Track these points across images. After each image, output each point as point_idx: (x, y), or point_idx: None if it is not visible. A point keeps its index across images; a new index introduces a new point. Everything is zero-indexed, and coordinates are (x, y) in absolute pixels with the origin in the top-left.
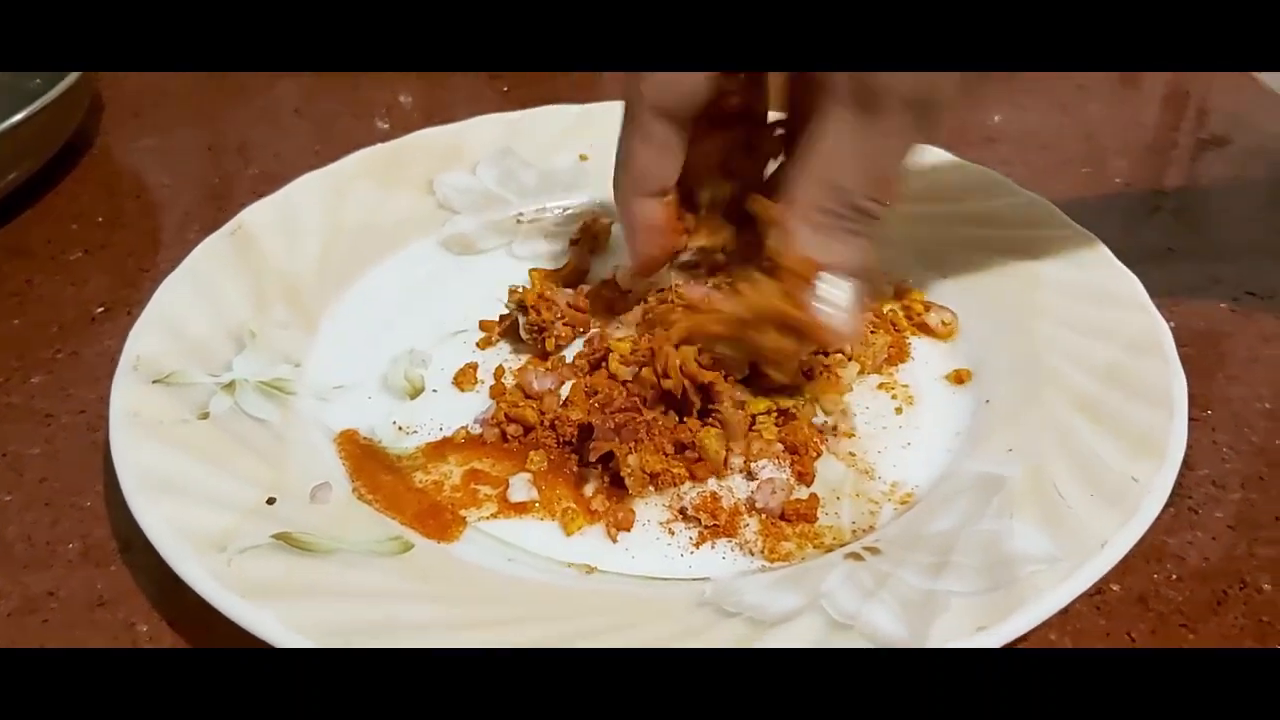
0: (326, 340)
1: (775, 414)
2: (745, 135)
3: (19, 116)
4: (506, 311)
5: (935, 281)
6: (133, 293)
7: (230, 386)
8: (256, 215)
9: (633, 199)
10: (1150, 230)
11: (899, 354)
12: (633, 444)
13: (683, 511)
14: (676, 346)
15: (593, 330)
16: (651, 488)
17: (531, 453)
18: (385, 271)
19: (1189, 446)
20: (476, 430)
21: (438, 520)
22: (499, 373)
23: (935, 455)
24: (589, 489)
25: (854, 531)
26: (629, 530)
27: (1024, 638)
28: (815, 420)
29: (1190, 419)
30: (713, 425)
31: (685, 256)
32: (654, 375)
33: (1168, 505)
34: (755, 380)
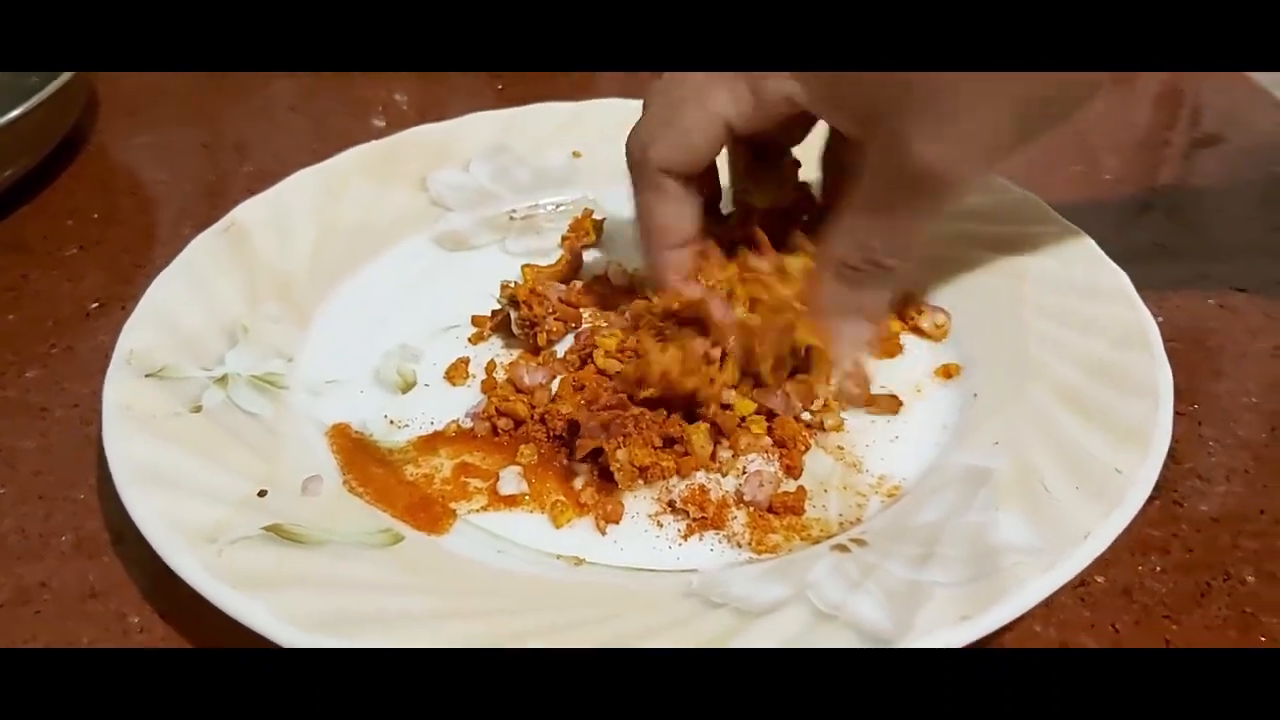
0: (319, 335)
1: (763, 414)
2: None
3: (15, 113)
4: (499, 307)
5: (925, 275)
6: (127, 288)
7: (223, 380)
8: (250, 212)
9: (659, 254)
10: (1141, 228)
11: (890, 349)
12: (620, 439)
13: (671, 504)
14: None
15: (584, 325)
16: (640, 480)
17: (522, 446)
18: (378, 267)
19: (1175, 440)
20: (467, 424)
21: (428, 513)
22: (490, 367)
23: (923, 449)
24: (578, 482)
25: (841, 524)
26: (618, 523)
27: (1009, 629)
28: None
29: (1177, 413)
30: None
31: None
32: (633, 382)
33: (1153, 498)
34: (743, 381)
